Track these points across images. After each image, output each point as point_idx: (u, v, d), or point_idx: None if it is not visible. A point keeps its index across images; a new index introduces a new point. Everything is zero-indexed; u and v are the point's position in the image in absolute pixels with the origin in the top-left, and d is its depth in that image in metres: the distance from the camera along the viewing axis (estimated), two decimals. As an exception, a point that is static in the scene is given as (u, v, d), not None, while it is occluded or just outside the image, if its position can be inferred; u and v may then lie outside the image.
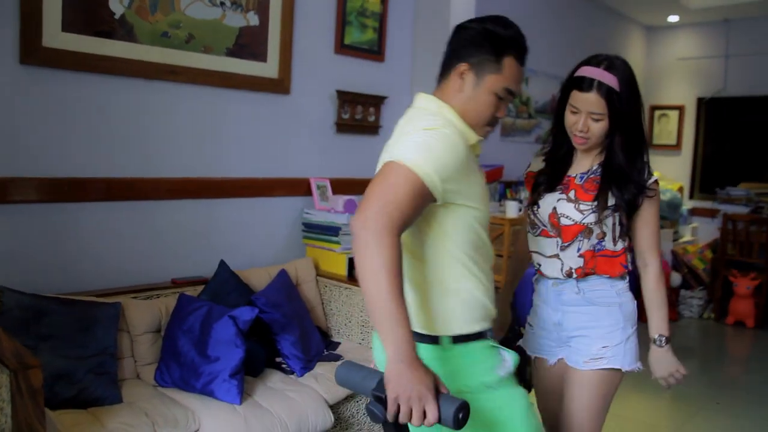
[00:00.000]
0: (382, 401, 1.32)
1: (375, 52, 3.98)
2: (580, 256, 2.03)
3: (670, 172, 7.54)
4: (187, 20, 3.02)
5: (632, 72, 2.00)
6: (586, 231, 2.00)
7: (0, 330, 2.14)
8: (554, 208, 2.05)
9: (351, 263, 3.50)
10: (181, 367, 2.59)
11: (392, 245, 1.35)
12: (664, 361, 2.08)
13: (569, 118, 2.01)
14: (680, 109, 7.51)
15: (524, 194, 5.20)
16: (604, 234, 2.02)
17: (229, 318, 2.63)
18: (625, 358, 2.03)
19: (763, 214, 6.45)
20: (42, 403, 1.86)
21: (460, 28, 1.71)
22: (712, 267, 6.59)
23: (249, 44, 3.28)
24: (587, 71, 1.96)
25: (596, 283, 2.05)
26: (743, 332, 6.14)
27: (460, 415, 1.26)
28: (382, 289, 1.32)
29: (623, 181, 1.98)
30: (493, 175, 4.97)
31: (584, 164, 2.08)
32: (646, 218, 2.04)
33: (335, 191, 3.70)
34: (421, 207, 1.47)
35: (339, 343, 3.31)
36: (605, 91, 1.92)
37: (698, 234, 7.26)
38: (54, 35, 2.60)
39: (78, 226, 2.77)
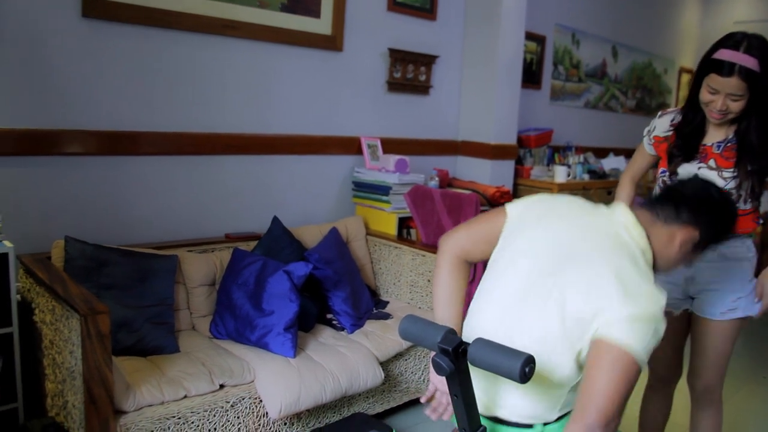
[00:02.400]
0: (447, 354, 1.33)
1: (427, 10, 3.92)
2: None
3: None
4: (243, -26, 3.01)
5: None
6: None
7: (67, 277, 2.20)
8: (695, 176, 2.05)
9: (401, 222, 3.50)
10: (236, 320, 2.62)
11: None
12: None
13: (706, 96, 2.04)
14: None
15: (572, 159, 5.13)
16: (740, 196, 2.10)
17: (284, 273, 2.64)
18: (754, 307, 2.20)
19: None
20: (109, 348, 1.91)
21: (706, 188, 1.66)
22: (761, 239, 6.44)
23: (302, 0, 3.25)
24: (726, 54, 1.96)
25: (730, 240, 2.15)
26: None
27: (527, 369, 1.26)
28: None
29: (756, 156, 2.05)
30: (542, 139, 4.89)
31: (719, 134, 2.14)
32: None
33: (386, 150, 3.68)
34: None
35: (388, 302, 3.32)
36: (745, 74, 1.93)
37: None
38: (114, -12, 2.61)
39: (134, 180, 2.81)
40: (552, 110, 5.42)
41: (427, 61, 3.92)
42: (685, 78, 7.23)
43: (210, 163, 3.04)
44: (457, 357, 1.35)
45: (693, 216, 1.58)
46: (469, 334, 1.58)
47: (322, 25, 3.36)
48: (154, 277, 2.54)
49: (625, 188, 2.47)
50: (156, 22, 2.76)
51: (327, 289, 2.96)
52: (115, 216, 2.77)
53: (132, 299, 2.46)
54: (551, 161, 5.04)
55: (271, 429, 2.47)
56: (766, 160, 2.06)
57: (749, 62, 1.92)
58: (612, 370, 1.34)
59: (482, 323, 1.58)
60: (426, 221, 3.35)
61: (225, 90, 3.05)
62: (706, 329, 2.25)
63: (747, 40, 1.96)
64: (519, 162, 4.70)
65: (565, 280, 1.46)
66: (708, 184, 1.67)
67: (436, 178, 3.61)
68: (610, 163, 5.48)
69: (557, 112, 5.47)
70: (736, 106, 2.00)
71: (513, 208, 1.67)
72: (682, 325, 2.37)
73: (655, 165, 2.39)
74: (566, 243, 1.53)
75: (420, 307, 3.28)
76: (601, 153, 5.77)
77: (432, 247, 3.27)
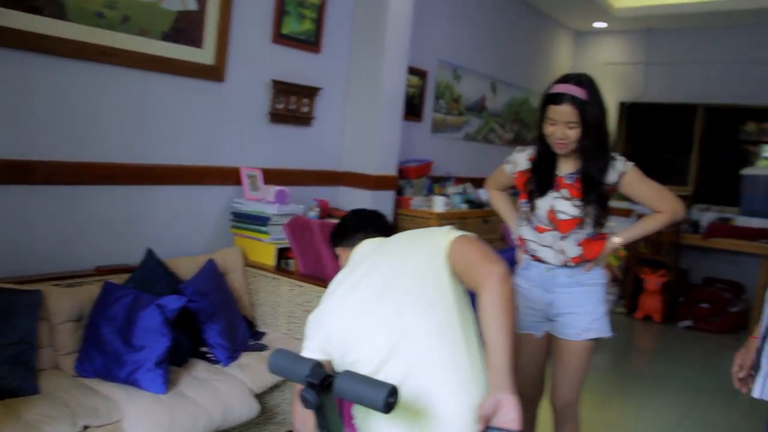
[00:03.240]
0: (314, 387, 1.36)
1: (312, 43, 3.98)
2: (579, 245, 2.43)
3: (591, 173, 7.82)
4: (123, 0, 2.95)
5: (596, 85, 2.35)
6: (582, 223, 2.40)
7: None
8: (552, 206, 2.42)
9: (280, 253, 3.51)
10: (104, 356, 2.55)
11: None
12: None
13: (548, 128, 2.35)
14: (603, 111, 7.79)
15: (451, 189, 5.30)
16: (595, 222, 2.42)
17: (156, 306, 2.60)
18: (607, 328, 2.51)
19: (674, 217, 6.77)
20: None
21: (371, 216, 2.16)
22: (625, 264, 6.89)
23: (185, 29, 3.23)
24: (559, 88, 2.32)
25: (584, 266, 2.47)
26: (650, 326, 6.47)
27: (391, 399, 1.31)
28: (513, 332, 1.53)
29: (597, 179, 2.38)
30: (422, 170, 5.05)
31: (569, 166, 2.44)
32: (638, 191, 2.43)
33: (268, 181, 3.69)
34: None
35: (265, 333, 3.32)
36: (575, 102, 2.28)
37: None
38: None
39: (-2, 209, 2.68)
40: (433, 142, 5.60)
41: (310, 92, 3.97)
42: (559, 113, 7.65)
43: (81, 194, 2.94)
44: (323, 390, 1.38)
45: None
46: None
47: (204, 55, 3.35)
48: (14, 314, 2.42)
49: (499, 195, 2.82)
50: (26, 46, 2.65)
51: (202, 322, 2.92)
52: (-25, 247, 2.63)
53: (-12, 338, 2.34)
54: (431, 192, 5.20)
55: (139, 469, 2.41)
56: (602, 190, 2.39)
57: (578, 92, 2.28)
58: (469, 242, 1.65)
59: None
60: (304, 252, 3.38)
61: (99, 118, 2.97)
62: (565, 349, 2.52)
63: (577, 77, 2.33)
64: (399, 192, 4.82)
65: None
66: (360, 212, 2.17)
67: (316, 209, 3.65)
68: (487, 193, 5.69)
69: (438, 143, 5.66)
70: (573, 134, 2.31)
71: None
72: (543, 347, 2.61)
73: (513, 187, 2.66)
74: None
75: (298, 338, 3.29)
76: (479, 183, 5.98)
77: (310, 278, 3.30)
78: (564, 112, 2.29)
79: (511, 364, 1.46)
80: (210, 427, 2.54)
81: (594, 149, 2.36)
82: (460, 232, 1.69)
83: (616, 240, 2.50)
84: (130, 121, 3.09)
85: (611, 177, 2.40)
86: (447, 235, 1.69)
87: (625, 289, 6.83)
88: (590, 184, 2.38)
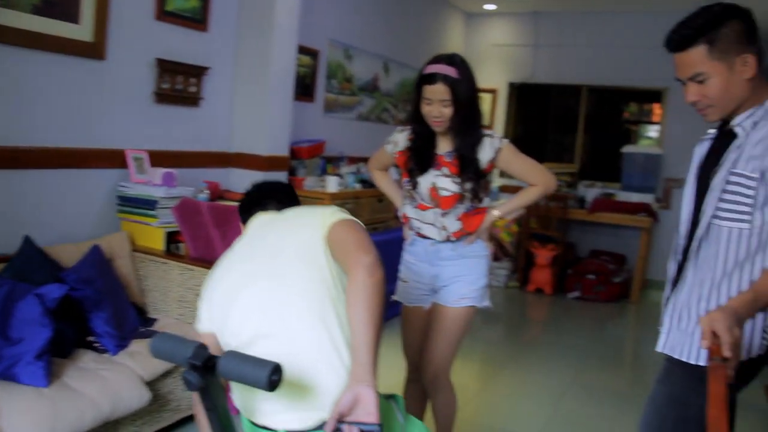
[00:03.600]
0: (197, 369, 1.34)
1: (198, 20, 3.87)
2: (458, 219, 2.52)
3: (483, 151, 8.02)
4: (-15, -28, 2.77)
5: (468, 65, 2.44)
6: (461, 198, 2.49)
7: None
8: (433, 183, 2.50)
9: (169, 237, 3.42)
10: (-21, 351, 2.41)
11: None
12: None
13: (424, 108, 2.43)
14: (493, 92, 8.01)
15: (345, 169, 5.32)
16: (473, 196, 2.51)
17: (35, 296, 2.48)
18: (483, 300, 2.61)
19: (560, 191, 7.07)
20: None
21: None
22: (517, 239, 7.14)
23: (59, 2, 3.06)
24: (432, 68, 2.40)
25: (466, 240, 2.56)
26: (542, 299, 6.76)
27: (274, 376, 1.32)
28: (379, 326, 1.53)
29: (472, 155, 2.47)
30: (314, 150, 5.03)
31: (447, 144, 2.52)
32: (514, 166, 2.54)
33: (155, 163, 3.58)
34: None
35: (156, 320, 3.23)
36: (449, 81, 2.36)
37: (506, 210, 7.80)
38: None
39: None
40: (325, 122, 5.58)
41: (197, 72, 3.87)
42: (451, 93, 7.79)
43: (-52, 178, 2.76)
44: (206, 371, 1.37)
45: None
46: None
47: (82, 31, 3.19)
48: None
49: (382, 175, 2.90)
50: None
51: (87, 311, 2.81)
52: None
53: None
54: (324, 172, 5.19)
55: (22, 465, 2.31)
56: (479, 165, 2.49)
57: (449, 71, 2.37)
58: (347, 227, 1.66)
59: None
60: (194, 235, 3.31)
61: (-34, 98, 2.79)
62: (442, 314, 2.61)
63: (448, 57, 2.43)
64: (292, 173, 4.79)
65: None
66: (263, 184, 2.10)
67: (206, 191, 3.57)
68: (370, 173, 5.75)
69: (331, 124, 5.65)
70: (448, 112, 2.40)
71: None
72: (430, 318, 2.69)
73: (396, 165, 2.72)
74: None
75: (190, 323, 3.23)
76: (375, 163, 6.04)
77: (201, 261, 3.24)
78: (438, 90, 2.37)
79: (372, 357, 1.46)
80: (98, 418, 2.47)
81: (465, 126, 2.45)
82: (342, 216, 1.71)
83: (495, 213, 2.60)
84: (1, 101, 2.91)
85: (487, 154, 2.49)
86: (330, 216, 1.70)
87: (518, 263, 7.09)
88: (466, 161, 2.48)
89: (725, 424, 1.24)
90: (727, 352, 1.39)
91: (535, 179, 2.57)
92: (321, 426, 1.56)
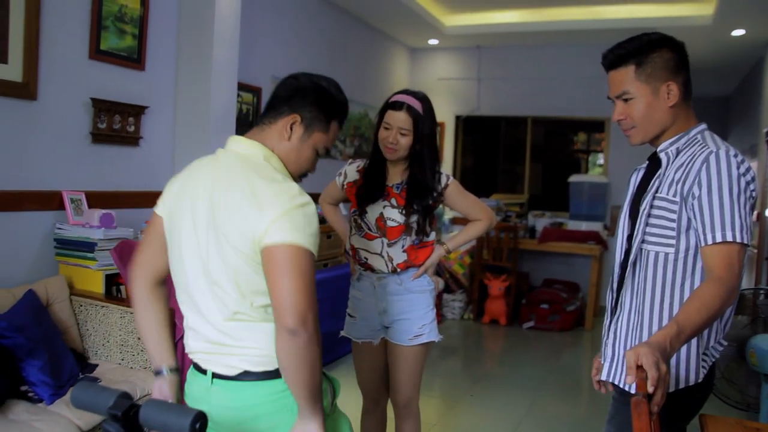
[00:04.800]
0: (118, 419, 1.28)
1: (134, 60, 3.81)
2: (404, 251, 2.56)
3: (433, 185, 8.06)
4: None
5: (431, 103, 2.57)
6: (407, 230, 2.54)
7: None
8: (381, 213, 2.55)
9: (108, 280, 3.32)
10: None
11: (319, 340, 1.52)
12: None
13: (382, 133, 2.52)
14: (441, 125, 8.09)
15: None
16: (419, 229, 2.56)
17: (-39, 346, 2.36)
18: (435, 332, 2.65)
19: (510, 222, 7.13)
20: None
21: (293, 78, 1.77)
22: (470, 271, 7.16)
23: (-14, 44, 2.99)
24: (399, 97, 2.52)
25: (413, 274, 2.61)
26: (497, 330, 6.75)
27: (197, 425, 1.26)
28: (317, 376, 1.53)
29: (423, 189, 2.54)
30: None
31: (398, 176, 2.60)
32: (459, 202, 2.66)
33: (94, 204, 3.48)
34: None
35: (97, 365, 3.11)
36: (413, 112, 2.47)
37: (458, 242, 7.82)
38: None
39: None
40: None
41: (135, 111, 3.80)
42: (399, 128, 7.86)
43: None
44: (127, 421, 1.31)
45: (288, 106, 1.70)
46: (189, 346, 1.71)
47: (11, 71, 3.11)
48: None
49: (332, 210, 2.91)
50: None
51: (20, 359, 2.69)
52: None
53: None
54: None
55: None
56: (431, 190, 2.56)
57: (415, 104, 2.50)
58: (285, 267, 1.48)
59: (189, 324, 1.70)
60: (135, 277, 3.22)
61: None
62: (399, 354, 2.64)
63: (415, 92, 2.56)
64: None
65: (219, 230, 1.57)
66: (295, 77, 1.79)
67: (148, 232, 3.49)
68: (321, 207, 5.72)
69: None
70: (404, 141, 2.49)
71: (158, 207, 1.74)
72: (382, 353, 2.72)
73: (346, 199, 2.75)
74: (207, 200, 1.61)
75: (132, 367, 3.12)
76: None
77: (142, 304, 3.14)
78: (400, 118, 2.47)
79: (314, 398, 1.54)
80: (32, 472, 2.34)
81: (427, 159, 2.54)
82: (290, 234, 1.50)
83: (443, 248, 2.70)
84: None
85: (437, 189, 2.59)
86: (275, 224, 1.50)
87: (472, 295, 7.09)
88: (416, 193, 2.55)
89: None
90: (650, 388, 1.38)
91: (479, 214, 2.71)
92: (242, 375, 1.61)
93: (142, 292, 1.74)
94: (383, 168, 2.61)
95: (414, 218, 2.54)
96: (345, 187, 2.72)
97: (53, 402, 2.70)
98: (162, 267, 1.75)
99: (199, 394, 1.67)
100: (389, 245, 2.56)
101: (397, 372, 2.67)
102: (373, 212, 2.57)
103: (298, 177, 1.75)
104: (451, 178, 2.65)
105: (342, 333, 2.76)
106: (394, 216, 2.55)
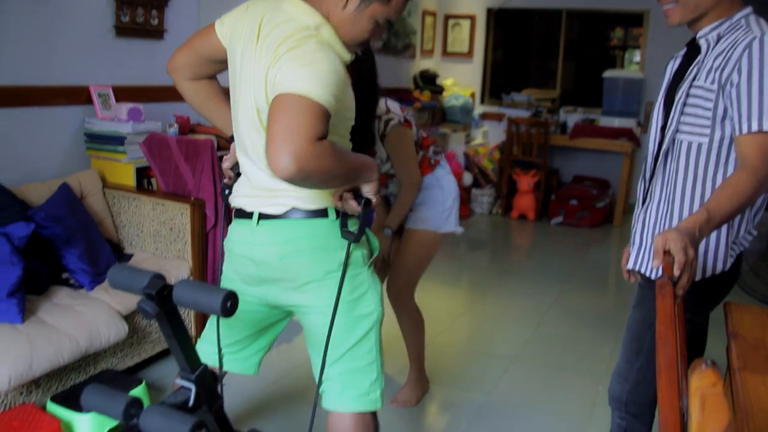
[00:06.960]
0: (152, 298, 1.34)
1: (156, -51, 3.73)
2: None
3: (463, 79, 7.93)
4: None
5: (372, 50, 2.45)
6: None
7: None
8: None
9: (139, 173, 3.38)
10: (-51, 291, 2.41)
11: (324, 147, 1.42)
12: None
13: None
14: (471, 18, 7.85)
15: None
16: None
17: (2, 235, 2.46)
18: (445, 224, 2.77)
19: (541, 118, 7.03)
20: None
21: None
22: (499, 167, 7.13)
23: (5, -66, 2.94)
24: None
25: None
26: (525, 224, 6.79)
27: (228, 303, 1.32)
28: (350, 168, 1.53)
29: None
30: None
31: None
32: (391, 151, 2.61)
33: (120, 99, 3.50)
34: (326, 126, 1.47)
35: (132, 255, 3.22)
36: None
37: (488, 137, 7.78)
38: None
39: None
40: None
41: (158, 3, 3.74)
42: (429, 20, 7.64)
43: None
44: (162, 299, 1.37)
45: None
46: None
47: (31, -37, 3.07)
48: None
49: None
50: None
51: (58, 248, 2.80)
52: None
53: None
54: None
55: (5, 401, 2.34)
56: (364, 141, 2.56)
57: None
58: (287, 109, 1.40)
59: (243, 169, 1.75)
60: (164, 170, 3.27)
61: None
62: (407, 236, 2.78)
63: None
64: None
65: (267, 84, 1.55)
66: None
67: (176, 126, 3.51)
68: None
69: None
70: None
71: (218, 26, 1.73)
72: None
73: None
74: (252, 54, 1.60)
75: (165, 257, 3.23)
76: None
77: (172, 196, 3.22)
78: None
79: (356, 174, 1.57)
80: (76, 353, 2.49)
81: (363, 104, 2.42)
82: (296, 84, 1.44)
83: (388, 230, 2.74)
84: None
85: (379, 131, 2.60)
86: (286, 75, 1.46)
87: (501, 190, 7.09)
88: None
89: (672, 339, 1.25)
90: (677, 271, 1.39)
91: (400, 177, 2.65)
92: (290, 212, 1.65)
93: (186, 79, 1.85)
94: None
95: None
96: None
97: (93, 288, 2.83)
98: (201, 75, 1.83)
99: (241, 236, 1.72)
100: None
101: (400, 254, 2.79)
102: None
103: (356, 46, 1.67)
104: (395, 125, 2.57)
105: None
106: None
